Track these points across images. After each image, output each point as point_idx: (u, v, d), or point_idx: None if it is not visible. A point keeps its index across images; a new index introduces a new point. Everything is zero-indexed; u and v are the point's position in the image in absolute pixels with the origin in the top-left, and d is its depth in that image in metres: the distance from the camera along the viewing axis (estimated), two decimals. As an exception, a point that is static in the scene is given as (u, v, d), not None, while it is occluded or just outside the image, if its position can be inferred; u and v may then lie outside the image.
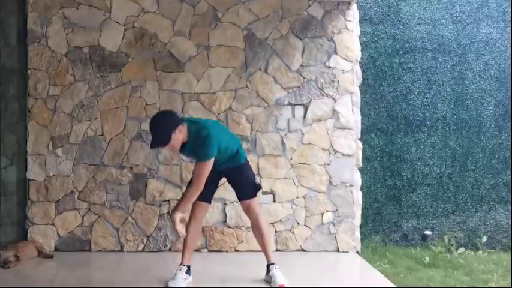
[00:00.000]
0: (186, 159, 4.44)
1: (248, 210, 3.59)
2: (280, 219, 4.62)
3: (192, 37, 4.64)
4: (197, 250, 4.30)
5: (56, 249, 4.53)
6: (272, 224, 4.57)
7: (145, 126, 4.58)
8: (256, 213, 3.59)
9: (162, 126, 3.28)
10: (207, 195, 3.56)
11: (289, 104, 4.66)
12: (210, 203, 3.66)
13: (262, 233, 3.61)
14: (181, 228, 3.32)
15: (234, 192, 3.68)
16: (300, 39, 4.69)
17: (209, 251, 4.56)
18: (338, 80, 4.68)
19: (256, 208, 3.60)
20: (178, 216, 3.31)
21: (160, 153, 4.58)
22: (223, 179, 3.73)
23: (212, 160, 3.32)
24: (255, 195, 3.60)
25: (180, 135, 3.29)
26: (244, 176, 3.60)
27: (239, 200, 3.64)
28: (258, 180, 3.71)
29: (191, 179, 3.52)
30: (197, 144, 3.32)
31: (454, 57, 5.55)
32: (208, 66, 4.64)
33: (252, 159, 4.49)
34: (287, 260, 4.17)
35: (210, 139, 3.30)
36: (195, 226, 3.56)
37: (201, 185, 3.32)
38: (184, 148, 3.39)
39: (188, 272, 3.51)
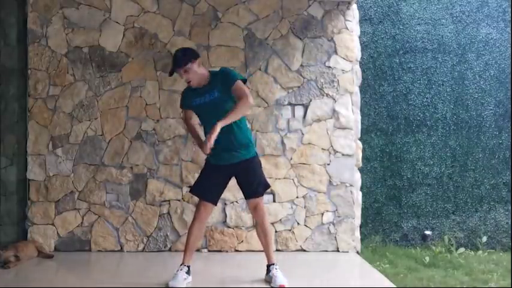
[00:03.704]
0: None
1: (256, 209, 3.56)
2: (280, 219, 4.62)
3: (192, 37, 4.65)
4: (197, 250, 4.29)
5: (56, 249, 4.53)
6: (272, 224, 4.56)
7: (145, 126, 4.59)
8: (263, 212, 3.58)
9: (182, 52, 3.47)
10: (214, 197, 3.55)
11: (289, 104, 4.66)
12: (216, 205, 3.63)
13: (266, 232, 3.60)
14: (212, 142, 3.21)
15: (241, 190, 3.61)
16: (300, 39, 4.69)
17: (209, 251, 4.56)
18: (338, 80, 4.68)
19: (263, 207, 3.59)
20: (220, 127, 3.21)
21: (160, 153, 4.59)
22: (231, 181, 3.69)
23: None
24: (262, 194, 3.58)
25: (198, 69, 3.40)
26: (257, 171, 3.57)
27: (249, 197, 3.56)
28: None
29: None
30: (219, 77, 3.41)
31: (454, 57, 5.56)
32: (208, 66, 4.63)
33: (252, 159, 4.50)
34: (287, 260, 4.18)
35: (230, 69, 3.58)
36: (199, 227, 3.54)
37: (251, 99, 3.31)
38: (205, 88, 3.42)
39: (188, 272, 3.50)
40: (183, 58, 3.39)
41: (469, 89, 5.55)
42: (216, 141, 3.35)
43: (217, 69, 3.61)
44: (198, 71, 3.41)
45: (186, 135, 4.58)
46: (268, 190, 4.48)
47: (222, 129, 3.25)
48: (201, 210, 3.52)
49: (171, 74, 3.50)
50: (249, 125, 4.56)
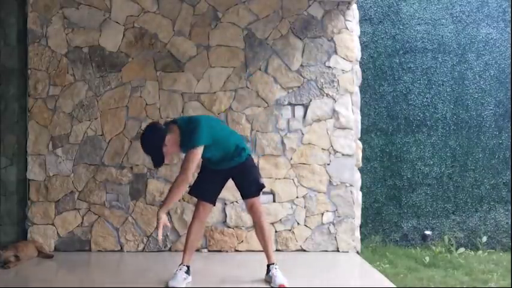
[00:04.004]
0: None
1: (252, 209, 3.58)
2: (280, 219, 4.62)
3: (192, 37, 4.64)
4: (197, 250, 4.29)
5: (56, 249, 4.53)
6: (272, 224, 4.57)
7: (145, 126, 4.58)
8: (259, 212, 3.58)
9: (150, 147, 3.31)
10: (212, 197, 3.57)
11: (289, 104, 4.66)
12: (215, 205, 3.66)
13: (264, 232, 3.60)
14: (161, 231, 3.27)
15: (238, 191, 3.65)
16: (300, 39, 4.69)
17: (209, 251, 4.56)
18: (338, 80, 4.68)
19: (260, 207, 3.60)
20: (164, 214, 3.28)
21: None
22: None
23: (201, 148, 3.28)
24: (258, 194, 3.60)
25: (170, 142, 3.29)
26: (249, 173, 3.59)
27: (245, 197, 3.60)
28: (262, 179, 3.69)
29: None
30: (187, 134, 3.31)
31: (454, 57, 5.56)
32: (208, 66, 4.64)
33: (252, 159, 4.50)
34: (287, 260, 4.17)
35: (199, 125, 3.31)
36: (198, 227, 3.55)
37: (189, 176, 3.27)
38: (182, 148, 3.40)
39: (188, 272, 3.50)
40: (159, 156, 3.26)
41: (469, 89, 5.55)
42: (210, 157, 3.46)
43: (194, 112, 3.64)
44: (171, 144, 3.31)
45: (186, 135, 4.59)
46: (268, 190, 4.53)
47: (212, 152, 3.39)
48: (200, 210, 3.54)
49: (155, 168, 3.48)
50: (248, 125, 4.59)
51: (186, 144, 3.34)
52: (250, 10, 4.67)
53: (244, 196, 3.60)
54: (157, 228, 3.28)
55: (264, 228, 3.60)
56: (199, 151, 3.29)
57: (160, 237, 3.30)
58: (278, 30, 4.68)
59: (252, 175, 3.60)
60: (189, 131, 3.32)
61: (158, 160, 3.30)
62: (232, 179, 3.63)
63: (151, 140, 3.30)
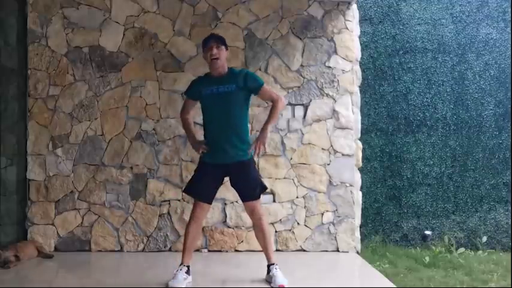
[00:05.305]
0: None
1: (253, 212, 3.55)
2: (280, 219, 4.62)
3: (192, 37, 4.65)
4: (197, 250, 4.30)
5: (56, 249, 4.53)
6: (272, 224, 4.57)
7: (145, 126, 4.59)
8: (260, 215, 3.56)
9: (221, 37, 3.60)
10: (208, 196, 3.55)
11: (289, 104, 4.66)
12: (211, 204, 3.64)
13: (264, 234, 3.59)
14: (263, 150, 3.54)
15: (237, 193, 3.62)
16: (300, 39, 4.69)
17: (209, 251, 4.56)
18: (338, 80, 4.68)
19: (260, 210, 3.57)
20: (269, 130, 3.53)
21: (160, 153, 4.59)
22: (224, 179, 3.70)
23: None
24: (259, 197, 3.57)
25: (225, 59, 3.54)
26: (251, 175, 3.56)
27: (243, 200, 3.58)
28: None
29: None
30: (242, 76, 3.51)
31: (454, 57, 5.56)
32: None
33: (252, 159, 4.50)
34: (287, 260, 4.17)
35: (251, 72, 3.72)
36: (196, 226, 3.54)
37: (281, 96, 3.70)
38: (223, 79, 3.51)
39: (188, 272, 3.50)
40: (222, 38, 3.56)
41: (469, 89, 5.56)
42: (213, 137, 3.48)
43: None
44: (224, 59, 3.53)
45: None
46: (268, 190, 4.52)
47: (227, 122, 3.45)
48: (197, 210, 3.52)
49: (204, 45, 3.54)
50: (249, 126, 4.59)
51: (246, 83, 3.50)
52: (250, 10, 4.67)
53: (246, 198, 3.56)
54: (261, 144, 3.45)
55: (264, 230, 3.59)
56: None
57: (261, 151, 3.52)
58: (278, 30, 4.68)
59: (254, 178, 3.57)
60: (241, 75, 3.53)
61: (219, 38, 3.54)
62: (230, 179, 3.59)
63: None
